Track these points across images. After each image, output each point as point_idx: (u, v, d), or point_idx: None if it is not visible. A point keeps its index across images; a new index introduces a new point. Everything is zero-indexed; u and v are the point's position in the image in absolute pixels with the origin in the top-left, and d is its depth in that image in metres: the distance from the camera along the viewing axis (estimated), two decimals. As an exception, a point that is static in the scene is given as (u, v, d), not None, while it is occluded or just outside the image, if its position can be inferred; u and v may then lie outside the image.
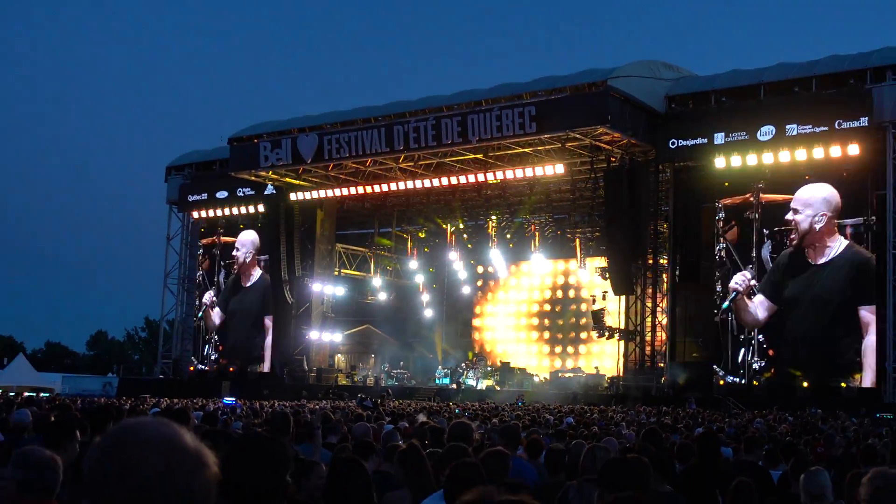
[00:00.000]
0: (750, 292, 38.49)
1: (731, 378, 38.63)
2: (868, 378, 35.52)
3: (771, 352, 38.08)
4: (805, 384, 36.53)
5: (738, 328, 38.88)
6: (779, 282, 37.99)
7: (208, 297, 54.34)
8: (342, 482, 3.85)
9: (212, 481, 1.51)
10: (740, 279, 38.75)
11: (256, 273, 53.07)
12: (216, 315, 54.06)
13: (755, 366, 38.37)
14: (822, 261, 36.95)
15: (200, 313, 54.23)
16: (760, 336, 38.35)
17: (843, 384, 35.74)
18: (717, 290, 39.52)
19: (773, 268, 38.17)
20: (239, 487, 2.41)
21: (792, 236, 37.71)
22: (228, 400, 30.92)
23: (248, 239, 53.44)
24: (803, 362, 37.15)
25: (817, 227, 37.01)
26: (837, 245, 36.74)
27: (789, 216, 37.72)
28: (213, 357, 53.73)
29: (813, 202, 37.33)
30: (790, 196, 37.73)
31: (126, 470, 1.44)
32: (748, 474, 6.74)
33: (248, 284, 53.28)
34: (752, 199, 38.76)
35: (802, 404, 31.99)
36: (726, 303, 38.75)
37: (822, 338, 36.93)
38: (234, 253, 53.82)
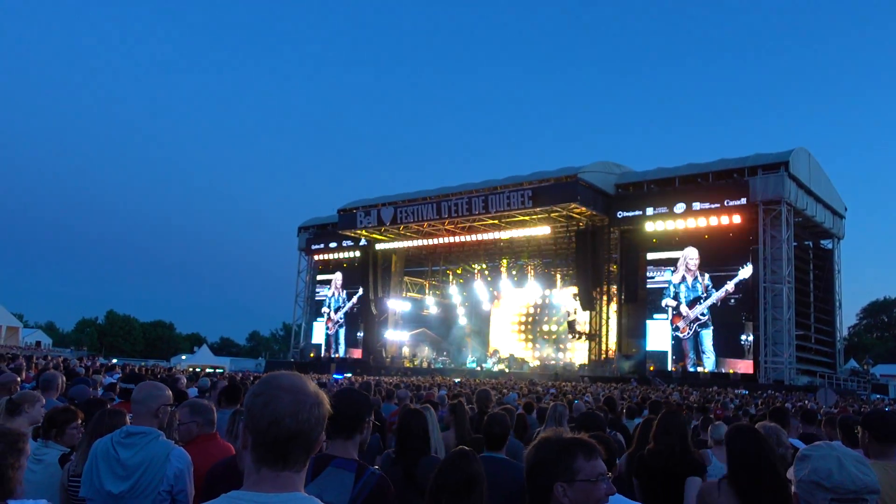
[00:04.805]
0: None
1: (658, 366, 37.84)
2: (749, 367, 34.70)
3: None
4: (705, 370, 35.76)
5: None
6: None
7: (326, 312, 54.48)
8: (407, 422, 3.80)
9: (325, 414, 1.49)
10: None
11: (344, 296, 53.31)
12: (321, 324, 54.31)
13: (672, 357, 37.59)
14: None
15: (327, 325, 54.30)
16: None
17: (731, 371, 34.87)
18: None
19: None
20: (339, 418, 2.42)
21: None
22: (337, 375, 30.80)
23: (338, 277, 53.74)
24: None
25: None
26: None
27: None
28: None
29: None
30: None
31: (268, 404, 1.42)
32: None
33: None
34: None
35: (704, 384, 31.28)
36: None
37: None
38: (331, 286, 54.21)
